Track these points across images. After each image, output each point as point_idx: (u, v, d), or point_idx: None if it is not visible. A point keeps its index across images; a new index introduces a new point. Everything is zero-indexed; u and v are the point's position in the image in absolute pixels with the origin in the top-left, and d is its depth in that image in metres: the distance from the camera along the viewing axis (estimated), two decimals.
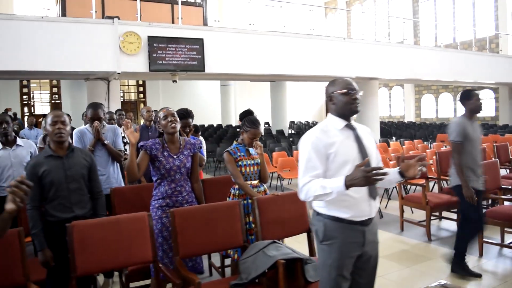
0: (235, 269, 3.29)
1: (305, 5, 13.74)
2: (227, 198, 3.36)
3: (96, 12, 8.88)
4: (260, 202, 2.89)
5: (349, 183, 1.91)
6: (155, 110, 6.10)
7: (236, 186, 3.28)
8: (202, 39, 8.85)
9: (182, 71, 8.73)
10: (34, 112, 19.73)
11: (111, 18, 8.49)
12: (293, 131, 18.72)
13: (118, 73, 8.25)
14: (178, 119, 3.00)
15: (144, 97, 21.30)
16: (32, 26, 7.69)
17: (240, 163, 3.24)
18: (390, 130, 15.81)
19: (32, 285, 2.25)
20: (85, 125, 4.05)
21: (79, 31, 7.98)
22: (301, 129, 18.79)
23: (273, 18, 15.63)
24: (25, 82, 19.44)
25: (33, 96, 20.05)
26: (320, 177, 2.08)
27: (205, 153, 4.37)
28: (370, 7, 23.91)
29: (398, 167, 2.09)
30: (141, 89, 21.36)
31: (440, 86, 20.62)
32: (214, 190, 3.59)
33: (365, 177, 1.84)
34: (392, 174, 2.10)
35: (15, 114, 17.76)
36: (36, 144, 4.34)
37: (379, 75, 12.05)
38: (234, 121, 19.48)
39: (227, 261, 3.59)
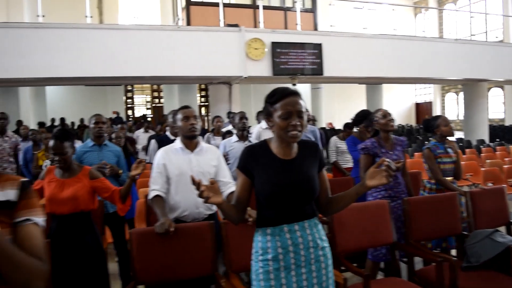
0: None
1: (392, 5, 13.71)
2: (421, 192, 3.62)
3: (219, 20, 9.53)
4: (473, 195, 3.14)
5: None
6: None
7: (432, 181, 3.54)
8: (320, 44, 9.20)
9: (302, 75, 9.13)
10: (134, 115, 21.23)
11: (233, 25, 9.10)
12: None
13: (245, 78, 8.81)
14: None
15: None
16: (168, 35, 8.48)
17: (439, 160, 3.49)
18: (498, 133, 15.21)
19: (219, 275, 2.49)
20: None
21: (207, 39, 8.63)
22: (397, 132, 18.59)
23: (360, 20, 15.67)
24: (129, 87, 20.98)
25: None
26: None
27: None
28: (464, 5, 23.04)
29: None
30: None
31: None
32: None
33: None
34: None
35: (117, 113, 19.31)
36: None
37: (489, 77, 11.68)
38: (325, 124, 19.69)
39: None
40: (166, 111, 18.57)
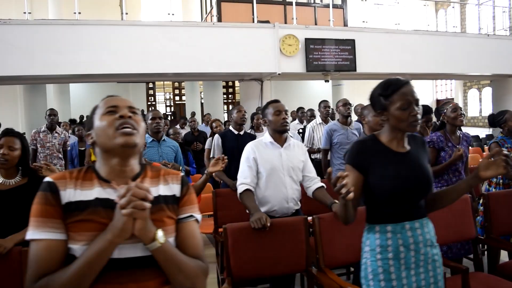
0: None
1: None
2: (486, 187, 3.61)
3: (251, 17, 9.51)
4: None
5: None
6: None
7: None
8: (353, 40, 9.17)
9: (335, 71, 9.10)
10: None
11: (264, 22, 9.09)
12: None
13: (278, 74, 8.80)
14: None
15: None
16: (204, 31, 8.50)
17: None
18: None
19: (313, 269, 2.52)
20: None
21: (242, 36, 8.65)
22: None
23: (386, 16, 15.67)
24: (150, 85, 21.09)
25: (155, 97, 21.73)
26: None
27: None
28: None
29: None
30: None
31: None
32: None
33: None
34: None
35: (142, 111, 19.40)
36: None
37: None
38: None
39: None
40: (188, 108, 18.64)
